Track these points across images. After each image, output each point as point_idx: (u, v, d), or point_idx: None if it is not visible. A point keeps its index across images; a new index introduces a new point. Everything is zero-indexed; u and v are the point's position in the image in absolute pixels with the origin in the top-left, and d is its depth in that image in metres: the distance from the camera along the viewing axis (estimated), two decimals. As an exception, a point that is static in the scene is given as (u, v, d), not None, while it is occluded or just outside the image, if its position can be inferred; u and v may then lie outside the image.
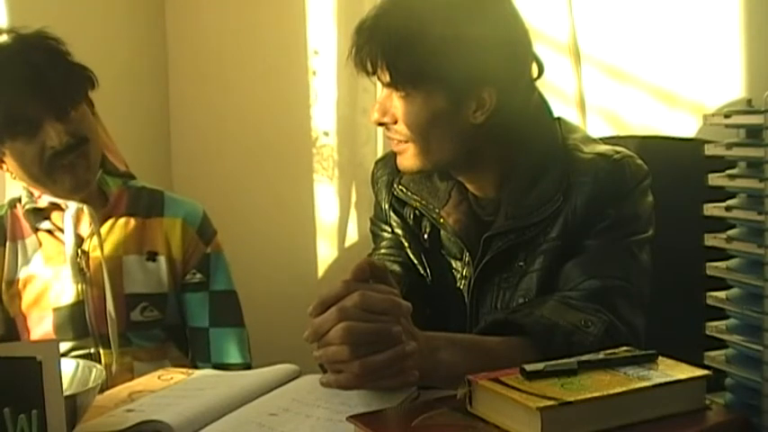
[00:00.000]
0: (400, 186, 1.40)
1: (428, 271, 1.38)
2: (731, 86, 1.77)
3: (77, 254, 1.57)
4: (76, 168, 1.52)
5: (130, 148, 1.81)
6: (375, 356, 1.03)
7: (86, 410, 1.06)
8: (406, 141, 1.29)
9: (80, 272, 1.57)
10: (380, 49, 1.24)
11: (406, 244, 1.40)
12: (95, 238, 1.57)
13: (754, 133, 0.93)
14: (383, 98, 1.29)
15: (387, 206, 1.43)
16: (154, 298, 1.61)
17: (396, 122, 1.28)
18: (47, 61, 1.49)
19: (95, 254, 1.57)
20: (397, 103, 1.27)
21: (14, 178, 1.59)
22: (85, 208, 1.58)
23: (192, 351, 1.67)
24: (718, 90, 1.79)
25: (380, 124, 1.31)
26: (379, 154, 2.02)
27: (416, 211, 1.40)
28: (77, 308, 1.57)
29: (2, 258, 1.59)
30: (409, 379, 1.06)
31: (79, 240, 1.58)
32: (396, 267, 1.38)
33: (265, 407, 1.13)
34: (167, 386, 1.25)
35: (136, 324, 1.59)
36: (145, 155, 2.01)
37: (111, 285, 1.56)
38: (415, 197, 1.39)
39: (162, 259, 1.62)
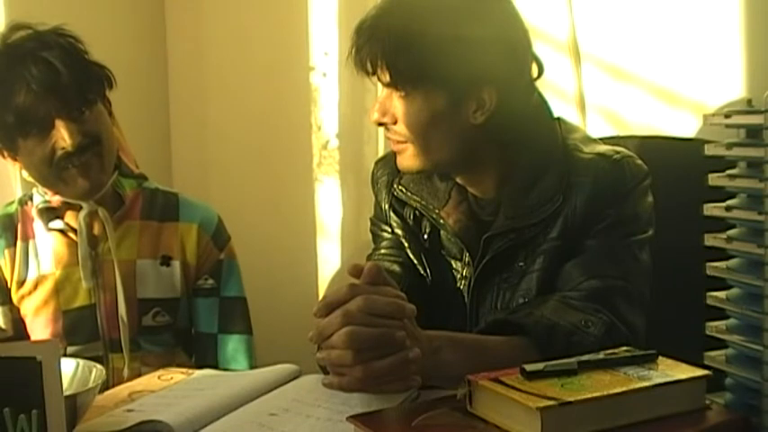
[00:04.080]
0: (400, 187, 1.40)
1: (428, 271, 1.38)
2: (731, 86, 1.77)
3: (90, 256, 1.55)
4: (90, 169, 1.50)
5: (131, 149, 1.80)
6: (378, 362, 1.03)
7: (86, 410, 1.06)
8: (406, 142, 1.29)
9: (92, 275, 1.55)
10: (380, 49, 1.24)
11: (406, 244, 1.40)
12: (109, 241, 1.55)
13: (754, 133, 0.93)
14: (383, 98, 1.29)
15: (387, 206, 1.43)
16: (166, 303, 1.60)
17: (395, 123, 1.28)
18: (62, 60, 1.46)
19: (109, 257, 1.55)
20: (396, 104, 1.27)
21: (28, 177, 1.56)
22: (100, 211, 1.55)
23: (199, 356, 1.65)
24: (718, 90, 1.78)
25: (380, 124, 1.31)
26: (380, 154, 2.02)
27: (416, 212, 1.40)
28: (89, 311, 1.55)
29: (12, 258, 1.57)
30: (412, 384, 1.07)
31: (93, 242, 1.56)
32: (396, 267, 1.38)
33: (265, 407, 1.13)
34: (167, 386, 1.25)
35: (147, 329, 1.57)
36: (145, 155, 2.00)
37: (124, 290, 1.54)
38: (415, 197, 1.38)
39: (176, 264, 1.61)
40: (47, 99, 1.45)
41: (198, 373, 1.33)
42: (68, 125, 1.46)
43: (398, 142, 1.30)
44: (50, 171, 1.49)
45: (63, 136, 1.46)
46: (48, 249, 1.57)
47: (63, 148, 1.46)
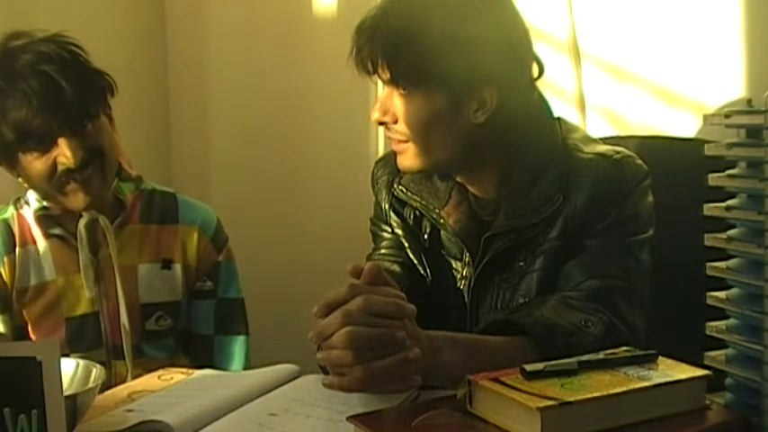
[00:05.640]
0: (400, 186, 1.40)
1: (428, 271, 1.38)
2: (731, 86, 1.77)
3: (91, 263, 1.52)
4: (91, 184, 1.46)
5: (130, 148, 1.80)
6: (378, 362, 1.03)
7: (86, 410, 1.06)
8: (407, 141, 1.29)
9: (94, 282, 1.52)
10: (381, 48, 1.24)
11: (406, 244, 1.40)
12: (110, 249, 1.53)
13: (754, 133, 0.93)
14: (383, 97, 1.29)
15: (387, 206, 1.43)
16: (168, 306, 1.59)
17: (396, 122, 1.28)
18: (64, 75, 1.41)
19: (110, 263, 1.53)
20: (397, 102, 1.27)
21: (26, 186, 1.54)
22: (100, 219, 1.52)
23: (195, 356, 1.64)
24: (718, 90, 1.78)
25: (381, 123, 1.31)
26: (380, 154, 2.02)
27: (416, 212, 1.40)
28: (92, 318, 1.53)
29: (12, 265, 1.53)
30: (411, 384, 1.07)
31: (93, 248, 1.53)
32: (396, 267, 1.38)
33: (265, 407, 1.13)
34: (167, 386, 1.25)
35: (150, 333, 1.56)
36: (145, 155, 2.00)
37: (126, 296, 1.52)
38: (415, 197, 1.38)
39: (177, 267, 1.59)
40: (48, 115, 1.40)
41: (198, 373, 1.33)
42: (71, 141, 1.42)
43: (399, 141, 1.30)
44: (51, 185, 1.46)
45: (65, 153, 1.42)
46: (48, 256, 1.54)
47: (64, 164, 1.43)
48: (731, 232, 0.96)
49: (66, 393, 0.99)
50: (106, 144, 1.49)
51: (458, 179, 1.36)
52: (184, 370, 1.34)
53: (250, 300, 1.71)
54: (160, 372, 1.33)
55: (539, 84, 1.33)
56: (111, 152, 1.52)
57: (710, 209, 0.97)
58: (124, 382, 1.48)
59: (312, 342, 1.07)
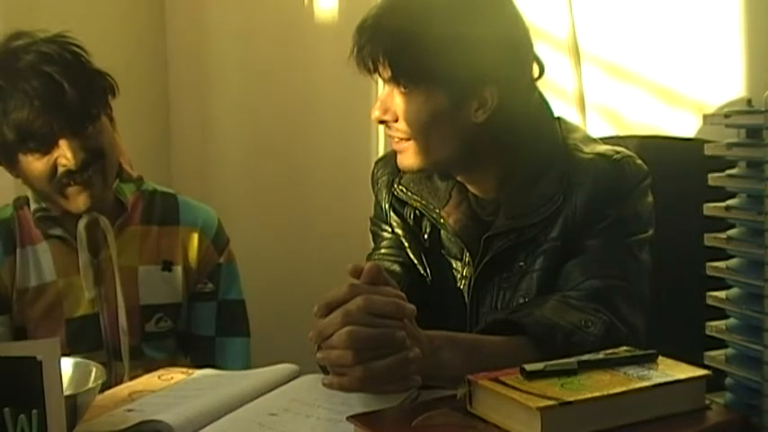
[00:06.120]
0: (400, 186, 1.40)
1: (428, 271, 1.38)
2: (731, 86, 1.77)
3: (92, 264, 1.52)
4: (92, 185, 1.46)
5: (130, 149, 1.79)
6: (378, 362, 1.03)
7: (86, 410, 1.06)
8: (407, 140, 1.29)
9: (94, 283, 1.52)
10: (382, 47, 1.24)
11: (407, 244, 1.40)
12: (111, 250, 1.52)
13: (754, 133, 0.93)
14: (384, 96, 1.29)
15: (387, 206, 1.43)
16: (169, 308, 1.58)
17: (396, 120, 1.28)
18: (66, 76, 1.41)
19: (110, 264, 1.53)
20: (398, 101, 1.27)
21: (27, 186, 1.53)
22: (101, 220, 1.52)
23: (195, 357, 1.64)
24: (718, 90, 1.78)
25: (381, 122, 1.31)
26: (381, 154, 2.02)
27: (417, 211, 1.40)
28: (92, 319, 1.53)
29: (13, 266, 1.52)
30: (412, 384, 1.07)
31: (94, 249, 1.53)
32: (396, 267, 1.38)
33: (265, 407, 1.13)
34: (167, 386, 1.25)
35: (150, 335, 1.56)
36: (145, 155, 2.00)
37: (126, 297, 1.52)
38: (416, 197, 1.38)
39: (178, 269, 1.59)
40: (50, 116, 1.40)
41: (198, 373, 1.33)
42: (71, 143, 1.42)
43: (399, 140, 1.30)
44: (51, 187, 1.46)
45: (66, 154, 1.42)
46: (48, 257, 1.53)
47: (65, 166, 1.43)
48: (731, 232, 0.96)
49: (66, 393, 0.99)
50: (107, 145, 1.49)
51: (458, 179, 1.36)
52: (184, 370, 1.34)
53: (250, 299, 1.71)
54: (160, 372, 1.33)
55: (539, 84, 1.34)
56: (112, 153, 1.51)
57: (710, 209, 0.97)
58: (123, 381, 1.49)
59: (312, 342, 1.07)
